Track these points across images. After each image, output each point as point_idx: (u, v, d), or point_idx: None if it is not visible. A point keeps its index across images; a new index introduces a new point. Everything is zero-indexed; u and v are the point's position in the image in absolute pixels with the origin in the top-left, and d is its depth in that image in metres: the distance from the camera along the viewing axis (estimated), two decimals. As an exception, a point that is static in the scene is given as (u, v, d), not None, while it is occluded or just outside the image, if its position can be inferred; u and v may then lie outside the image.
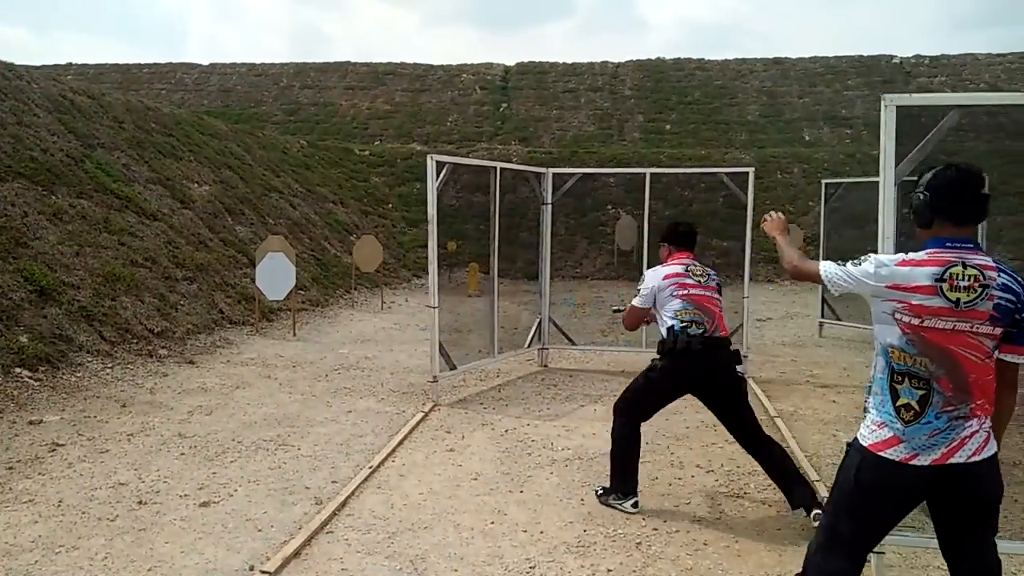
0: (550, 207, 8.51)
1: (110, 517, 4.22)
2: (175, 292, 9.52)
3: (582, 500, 4.53)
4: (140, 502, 4.43)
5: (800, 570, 2.69)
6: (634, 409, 4.46)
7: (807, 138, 23.52)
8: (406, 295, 15.04)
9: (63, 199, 9.55)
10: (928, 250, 2.43)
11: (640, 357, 8.73)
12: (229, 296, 10.44)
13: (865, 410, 2.57)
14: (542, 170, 8.50)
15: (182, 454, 5.28)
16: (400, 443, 5.58)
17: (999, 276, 2.35)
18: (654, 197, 21.27)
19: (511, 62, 29.50)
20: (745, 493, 4.68)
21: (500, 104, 26.77)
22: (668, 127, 24.52)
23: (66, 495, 4.49)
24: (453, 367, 7.07)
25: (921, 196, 2.47)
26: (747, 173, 8.14)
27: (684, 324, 4.31)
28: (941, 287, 2.34)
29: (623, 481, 4.41)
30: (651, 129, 24.45)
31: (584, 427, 6.05)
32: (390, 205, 20.71)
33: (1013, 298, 2.35)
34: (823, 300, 10.76)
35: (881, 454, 2.43)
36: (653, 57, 28.68)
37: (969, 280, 2.33)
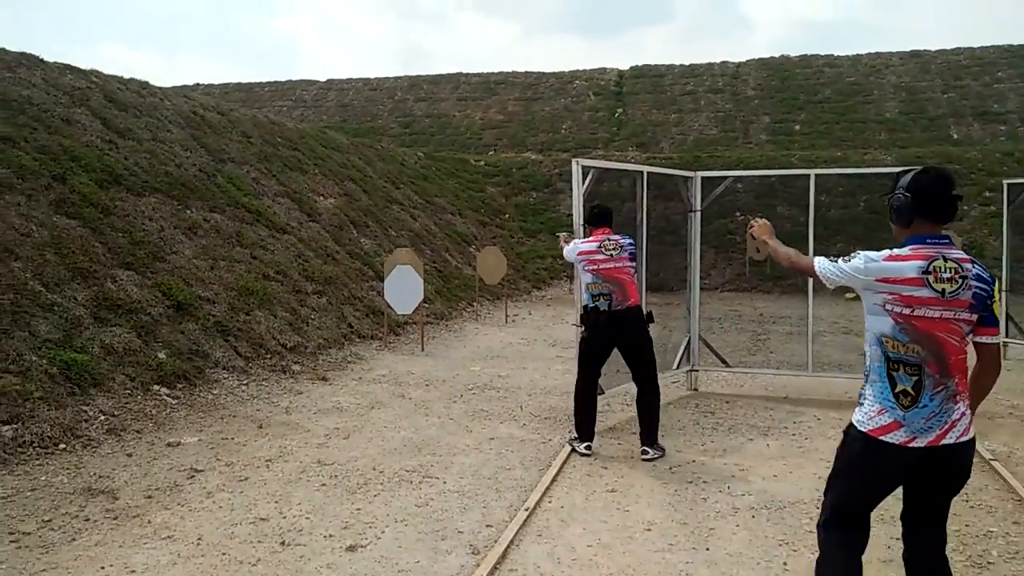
0: (699, 214, 7.77)
1: (252, 560, 3.84)
2: (306, 306, 9.35)
3: (785, 564, 3.80)
4: (283, 543, 4.03)
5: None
6: (583, 375, 5.63)
7: (955, 136, 21.55)
8: (528, 308, 14.56)
9: (197, 213, 9.57)
10: (910, 246, 2.64)
11: (801, 381, 7.87)
12: (357, 310, 10.22)
13: (860, 397, 2.76)
14: (690, 174, 7.77)
15: (323, 485, 4.89)
16: (553, 480, 5.01)
17: (973, 268, 2.60)
18: (789, 203, 19.97)
19: (623, 66, 28.73)
20: (988, 562, 3.83)
21: (615, 110, 26.03)
22: (797, 127, 23.06)
23: (205, 531, 4.16)
24: (600, 392, 6.42)
25: (903, 197, 2.65)
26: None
27: (595, 298, 5.47)
28: (927, 279, 2.57)
29: (582, 430, 5.59)
30: (779, 131, 23.07)
31: (760, 467, 5.30)
32: (507, 215, 20.35)
33: (985, 287, 2.60)
34: (1008, 317, 9.48)
35: (882, 439, 2.63)
36: (776, 55, 27.22)
37: (951, 272, 2.57)
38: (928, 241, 2.63)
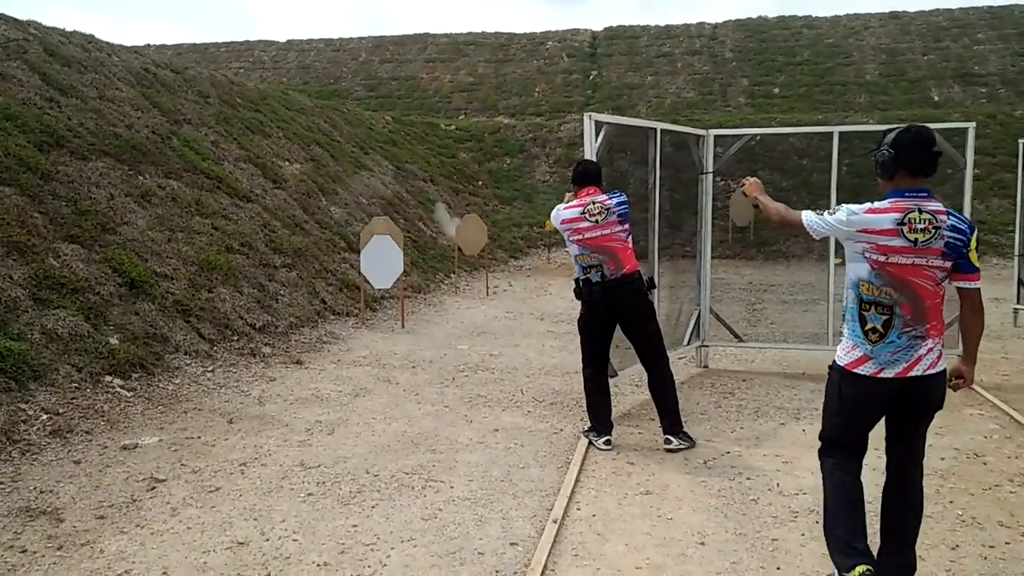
0: (711, 176, 7.13)
1: (231, 599, 3.12)
2: (274, 281, 8.51)
3: (876, 586, 3.20)
4: (268, 575, 3.32)
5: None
6: (589, 359, 5.02)
7: (936, 99, 21.15)
8: (508, 279, 13.85)
9: (151, 179, 8.63)
10: (890, 199, 2.88)
11: (813, 355, 7.28)
12: (330, 284, 9.40)
13: (840, 336, 3.07)
14: (702, 132, 7.10)
15: (309, 494, 4.17)
16: (577, 480, 4.36)
17: (948, 219, 2.82)
18: (770, 167, 19.39)
19: (597, 27, 27.83)
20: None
21: (589, 72, 25.15)
22: (776, 91, 22.44)
23: (172, 561, 3.42)
24: (613, 374, 5.74)
25: (887, 152, 2.89)
26: (965, 130, 6.57)
27: (585, 270, 4.85)
28: (902, 229, 2.81)
29: (598, 421, 4.98)
30: (758, 93, 22.41)
31: (805, 458, 4.69)
32: (480, 182, 19.52)
33: (961, 236, 2.82)
34: (1020, 282, 9.04)
35: (855, 371, 2.93)
36: (754, 16, 26.51)
37: (924, 223, 2.80)
38: (907, 194, 2.85)
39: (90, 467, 4.44)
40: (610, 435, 4.96)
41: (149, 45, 29.10)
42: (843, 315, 3.06)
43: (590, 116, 5.39)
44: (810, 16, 25.84)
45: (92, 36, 11.24)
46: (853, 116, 19.70)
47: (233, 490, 4.21)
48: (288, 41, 29.86)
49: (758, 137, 15.86)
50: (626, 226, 4.85)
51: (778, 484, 4.30)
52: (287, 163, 12.13)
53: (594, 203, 4.81)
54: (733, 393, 6.26)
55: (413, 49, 28.03)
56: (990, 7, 24.56)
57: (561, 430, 5.33)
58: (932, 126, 7.38)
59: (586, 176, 4.95)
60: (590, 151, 5.38)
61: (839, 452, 3.07)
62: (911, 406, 2.92)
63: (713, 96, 22.72)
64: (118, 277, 6.70)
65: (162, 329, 6.53)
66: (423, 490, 4.25)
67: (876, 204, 2.88)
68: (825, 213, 3.00)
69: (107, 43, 11.46)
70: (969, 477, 4.39)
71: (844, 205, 2.94)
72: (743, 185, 3.67)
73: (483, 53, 26.98)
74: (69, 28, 11.15)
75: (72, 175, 7.64)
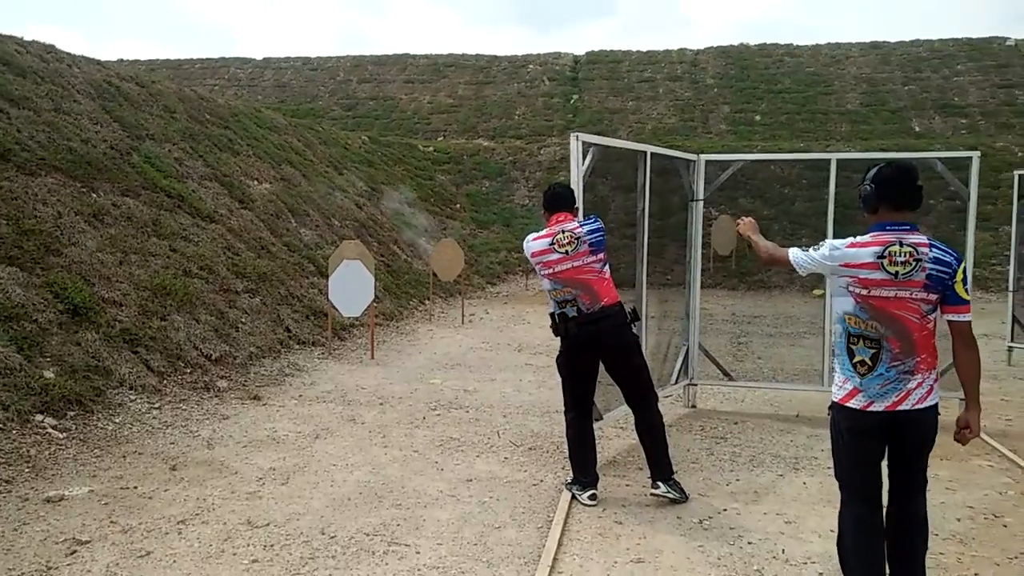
0: (701, 204, 6.74)
1: None
2: (235, 308, 7.97)
3: None
4: (194, 669, 2.79)
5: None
6: (571, 404, 4.57)
7: (917, 129, 21.14)
8: (484, 306, 13.37)
9: (105, 197, 8.09)
10: (872, 233, 2.93)
11: (808, 395, 6.88)
12: (296, 311, 8.87)
13: (834, 371, 3.09)
14: (692, 157, 6.72)
15: (254, 561, 3.65)
16: (559, 544, 3.87)
17: (931, 251, 2.84)
18: (751, 195, 19.13)
19: (579, 51, 27.69)
20: None
21: (570, 96, 24.93)
22: (758, 118, 22.32)
23: (82, 650, 2.89)
24: (599, 418, 5.27)
25: (868, 187, 2.96)
26: (969, 159, 6.25)
27: (560, 305, 4.41)
28: (882, 263, 2.85)
29: (581, 473, 4.52)
30: (739, 120, 22.28)
31: (810, 518, 4.25)
32: (458, 205, 19.09)
33: (945, 268, 2.83)
34: (1014, 320, 8.74)
35: (847, 405, 2.95)
36: (736, 43, 26.47)
37: (905, 256, 2.84)
38: (888, 228, 2.89)
39: (4, 525, 3.89)
40: (595, 488, 4.49)
41: (121, 60, 28.51)
42: (833, 350, 3.11)
43: (577, 137, 4.96)
44: (791, 45, 25.83)
45: (52, 46, 10.73)
46: (835, 145, 19.58)
47: (166, 555, 3.67)
48: (265, 59, 29.37)
49: (741, 164, 15.69)
50: (600, 255, 4.42)
51: (783, 550, 3.84)
52: (255, 182, 11.63)
53: (563, 232, 4.37)
54: (725, 438, 5.82)
55: (393, 69, 27.68)
56: (969, 39, 24.74)
57: (541, 480, 4.85)
58: (935, 155, 7.10)
59: (556, 202, 4.53)
60: (576, 174, 4.95)
61: (857, 500, 3.02)
62: (902, 441, 2.93)
63: (694, 122, 22.55)
64: (59, 303, 6.15)
65: (105, 361, 5.98)
66: (384, 556, 3.74)
67: (859, 239, 2.92)
68: (810, 249, 3.06)
69: (68, 54, 10.94)
70: (991, 543, 3.97)
71: (828, 240, 3.03)
72: (738, 224, 3.76)
73: (464, 75, 26.69)
74: (28, 37, 10.64)
75: (16, 191, 7.09)
